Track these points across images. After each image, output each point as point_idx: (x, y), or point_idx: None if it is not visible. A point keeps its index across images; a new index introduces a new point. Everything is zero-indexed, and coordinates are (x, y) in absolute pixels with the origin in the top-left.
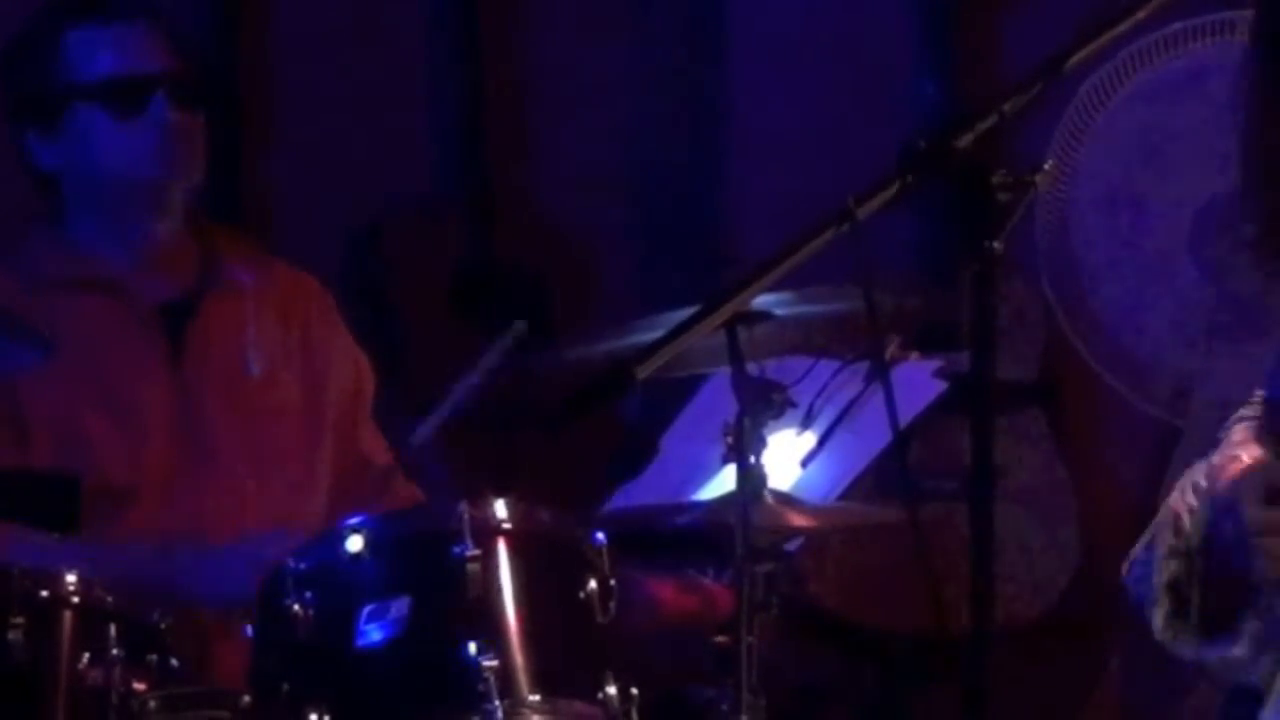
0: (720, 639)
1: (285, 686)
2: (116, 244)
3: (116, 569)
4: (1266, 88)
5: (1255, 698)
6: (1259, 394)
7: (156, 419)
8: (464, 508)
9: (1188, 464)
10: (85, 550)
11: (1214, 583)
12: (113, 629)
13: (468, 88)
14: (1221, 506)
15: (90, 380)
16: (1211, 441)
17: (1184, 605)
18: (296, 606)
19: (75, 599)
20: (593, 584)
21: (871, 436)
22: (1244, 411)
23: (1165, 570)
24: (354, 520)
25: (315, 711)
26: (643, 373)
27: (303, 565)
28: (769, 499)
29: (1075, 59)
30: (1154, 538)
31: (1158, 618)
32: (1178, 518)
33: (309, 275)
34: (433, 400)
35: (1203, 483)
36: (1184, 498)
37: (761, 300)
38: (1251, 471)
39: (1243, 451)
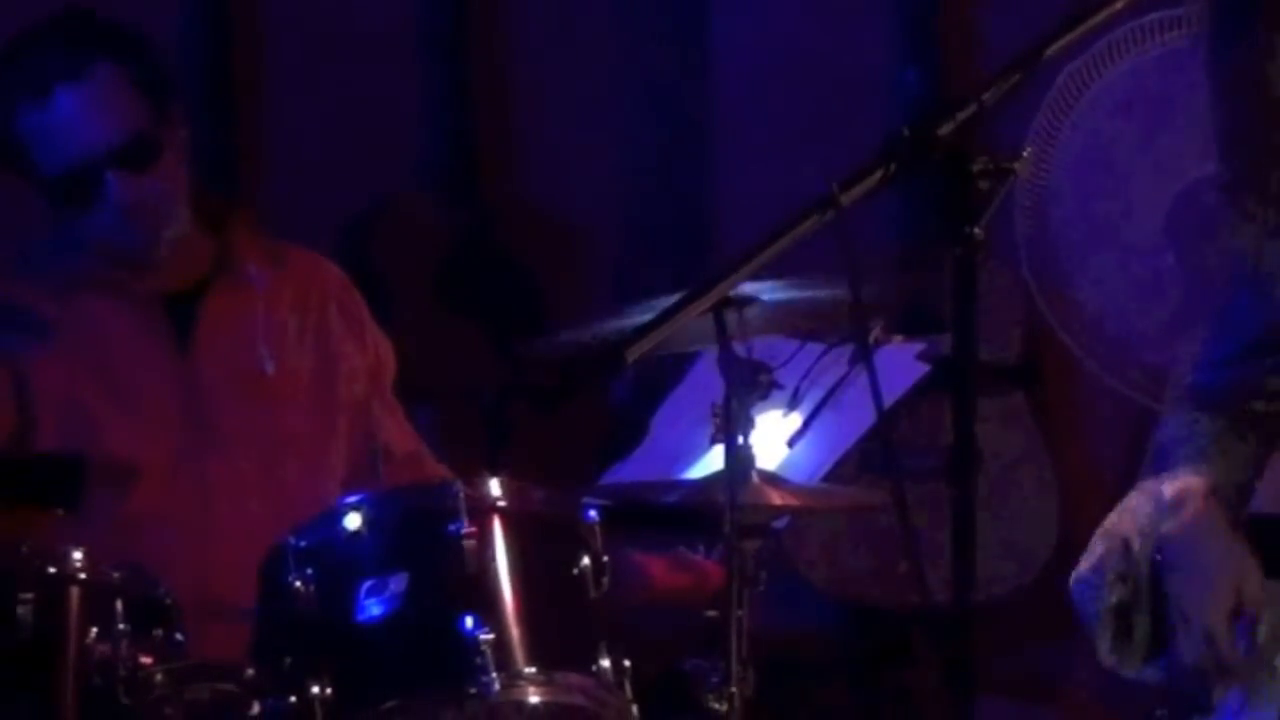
0: (710, 613)
1: (288, 660)
2: (123, 246)
3: None
4: (1223, 51)
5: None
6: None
7: (161, 404)
8: (460, 486)
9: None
10: None
11: (1158, 608)
12: (119, 604)
13: (456, 81)
14: (1182, 570)
15: (95, 365)
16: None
17: (1129, 629)
18: (298, 582)
19: (82, 575)
20: (586, 560)
21: (856, 417)
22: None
23: (1111, 594)
24: (353, 498)
25: (317, 684)
26: (633, 355)
27: (303, 542)
28: (756, 478)
29: (1054, 49)
30: (1100, 559)
31: (1103, 641)
32: (1126, 543)
33: (326, 260)
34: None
35: (1148, 507)
36: (1132, 522)
37: (748, 286)
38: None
39: (1184, 478)
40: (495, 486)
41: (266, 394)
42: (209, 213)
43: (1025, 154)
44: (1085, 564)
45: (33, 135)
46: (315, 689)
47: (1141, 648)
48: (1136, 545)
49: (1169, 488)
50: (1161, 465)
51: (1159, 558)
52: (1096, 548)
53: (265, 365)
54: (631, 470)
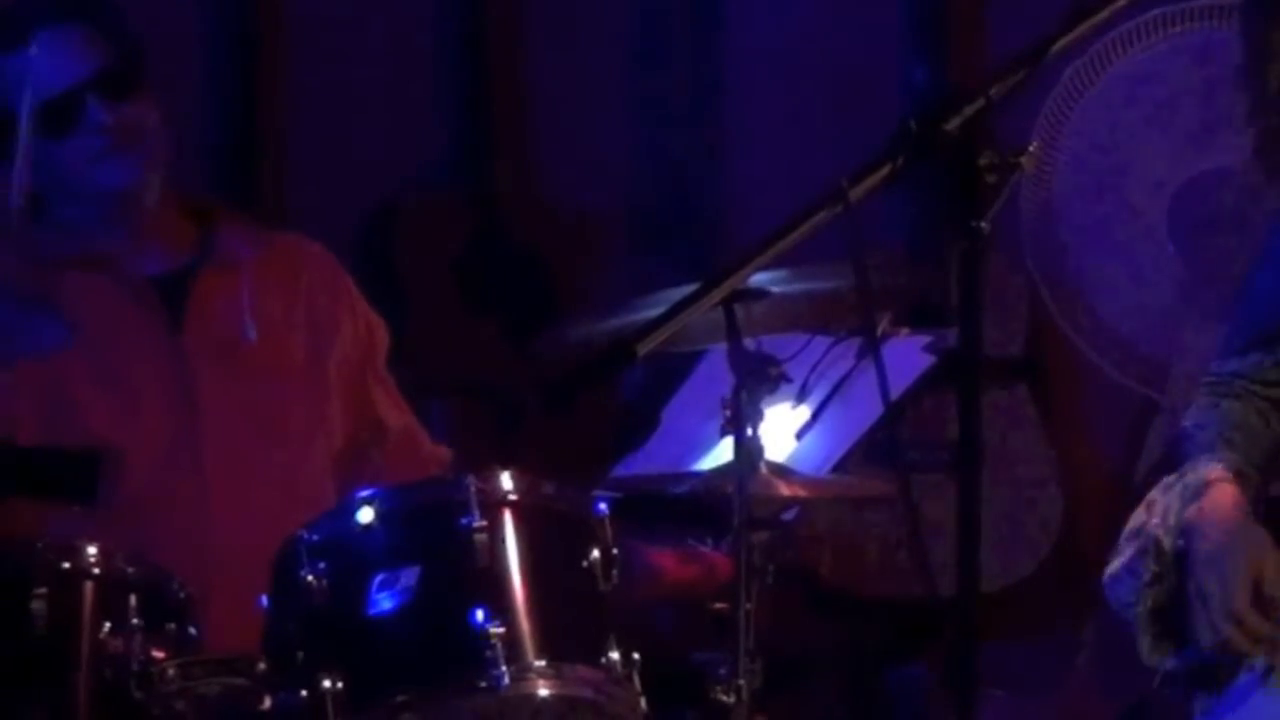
0: (719, 605)
1: (299, 654)
2: (105, 225)
3: None
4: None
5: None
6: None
7: (151, 387)
8: (471, 480)
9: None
10: None
11: (1187, 599)
12: (133, 599)
13: (473, 78)
14: (1201, 556)
15: (83, 350)
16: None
17: (1169, 628)
18: (310, 576)
19: (96, 570)
20: (596, 553)
21: (863, 409)
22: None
23: (1149, 599)
24: (365, 492)
25: (329, 677)
26: (643, 349)
27: (316, 536)
28: (765, 470)
29: (1059, 45)
30: (1133, 560)
31: (1144, 645)
32: (1158, 544)
33: (311, 241)
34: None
35: (1174, 503)
36: (1161, 520)
37: (758, 278)
38: (1243, 545)
39: (1204, 468)
40: (506, 480)
41: (254, 367)
42: (191, 206)
43: (1031, 148)
44: (1117, 563)
45: (14, 80)
46: (327, 683)
47: (1180, 640)
48: (1168, 544)
49: (1190, 478)
50: (1181, 452)
51: (1180, 544)
52: (1126, 549)
53: (248, 333)
54: (642, 463)
